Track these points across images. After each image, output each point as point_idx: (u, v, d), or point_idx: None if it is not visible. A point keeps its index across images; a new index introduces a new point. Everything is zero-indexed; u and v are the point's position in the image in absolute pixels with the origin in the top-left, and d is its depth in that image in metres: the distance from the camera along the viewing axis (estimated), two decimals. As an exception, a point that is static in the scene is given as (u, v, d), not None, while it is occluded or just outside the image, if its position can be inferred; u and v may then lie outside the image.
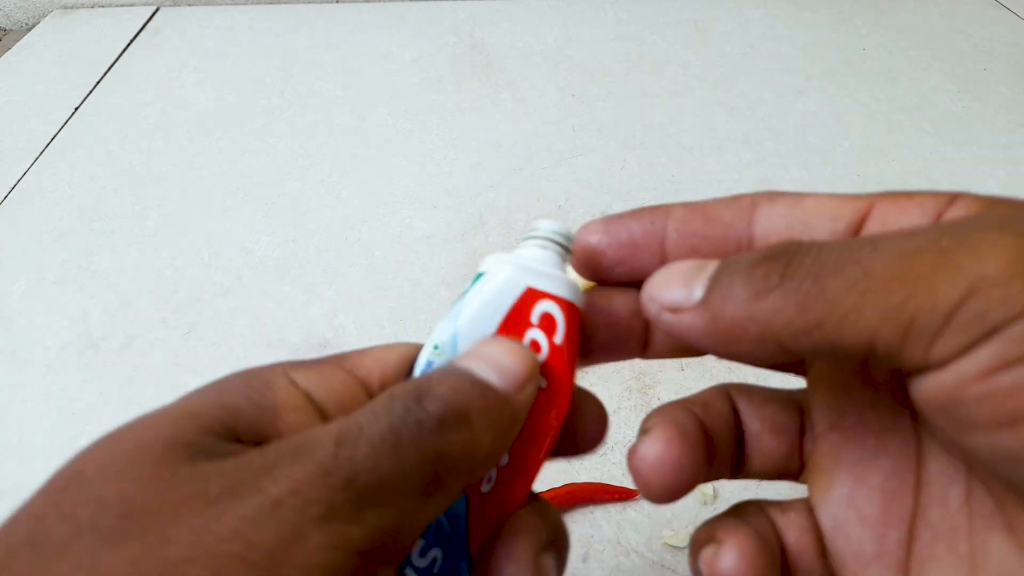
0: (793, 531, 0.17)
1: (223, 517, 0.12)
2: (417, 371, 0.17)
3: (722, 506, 0.37)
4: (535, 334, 0.17)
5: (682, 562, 0.35)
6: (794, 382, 0.19)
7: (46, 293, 0.50)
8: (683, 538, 0.36)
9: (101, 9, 0.86)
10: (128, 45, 0.78)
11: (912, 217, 0.15)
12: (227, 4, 0.87)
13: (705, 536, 0.17)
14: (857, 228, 0.16)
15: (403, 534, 0.14)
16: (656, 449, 0.16)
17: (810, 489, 0.18)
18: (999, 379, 0.12)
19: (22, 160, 0.62)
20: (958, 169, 0.60)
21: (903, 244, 0.13)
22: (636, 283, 0.18)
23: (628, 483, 0.38)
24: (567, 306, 0.17)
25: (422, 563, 0.16)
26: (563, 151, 0.62)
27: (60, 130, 0.65)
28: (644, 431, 0.17)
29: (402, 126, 0.66)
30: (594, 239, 0.18)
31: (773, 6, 0.85)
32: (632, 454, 0.17)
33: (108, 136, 0.65)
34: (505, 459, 0.17)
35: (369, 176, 0.60)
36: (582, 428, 0.18)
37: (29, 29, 0.85)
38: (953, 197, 0.15)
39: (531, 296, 0.17)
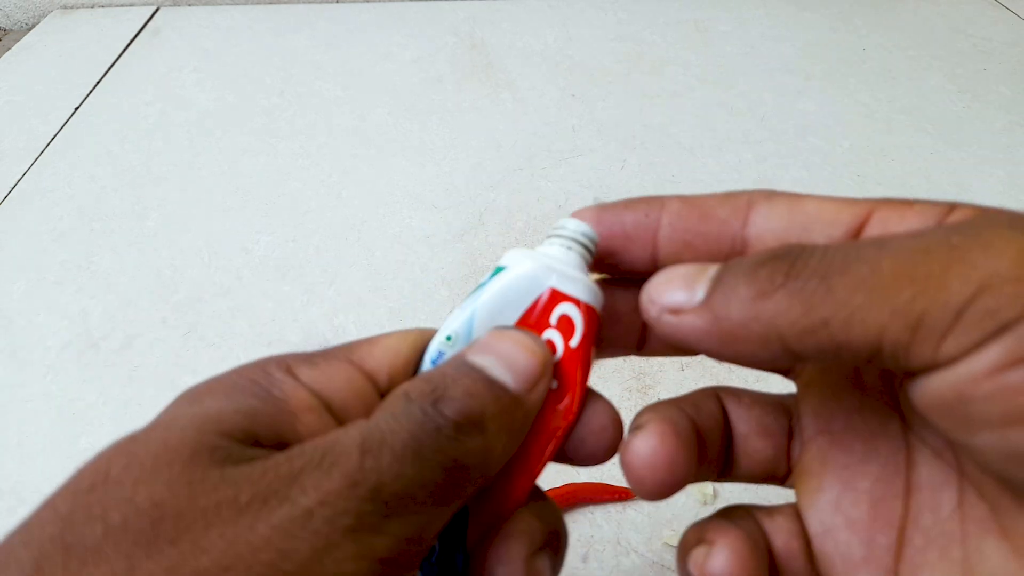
0: (781, 535, 0.17)
1: (255, 526, 0.12)
2: (427, 361, 0.17)
3: (722, 506, 0.37)
4: (552, 335, 0.17)
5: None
6: (792, 386, 0.19)
7: (46, 293, 0.50)
8: (683, 538, 0.36)
9: (101, 9, 0.86)
10: (128, 45, 0.78)
11: (912, 224, 0.15)
12: (227, 4, 0.87)
13: (695, 537, 0.17)
14: (856, 234, 0.16)
15: (423, 541, 0.14)
16: (649, 444, 0.16)
17: (798, 493, 0.18)
18: (1010, 376, 0.11)
19: (22, 160, 0.62)
20: (958, 169, 0.60)
21: (911, 243, 0.13)
22: (624, 274, 0.18)
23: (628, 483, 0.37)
24: (587, 310, 0.17)
25: (428, 548, 0.16)
26: (563, 151, 0.62)
27: (60, 130, 0.65)
28: (637, 427, 0.17)
29: (402, 126, 0.66)
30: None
31: (773, 6, 0.85)
32: (624, 450, 0.17)
33: (108, 136, 0.65)
34: None
35: (369, 176, 0.60)
36: (592, 439, 0.17)
37: (29, 29, 0.85)
38: (952, 207, 0.15)
39: (553, 297, 0.17)
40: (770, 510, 0.18)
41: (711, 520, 0.18)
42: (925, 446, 0.16)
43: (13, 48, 0.78)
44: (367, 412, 0.16)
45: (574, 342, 0.17)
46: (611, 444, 0.17)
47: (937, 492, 0.15)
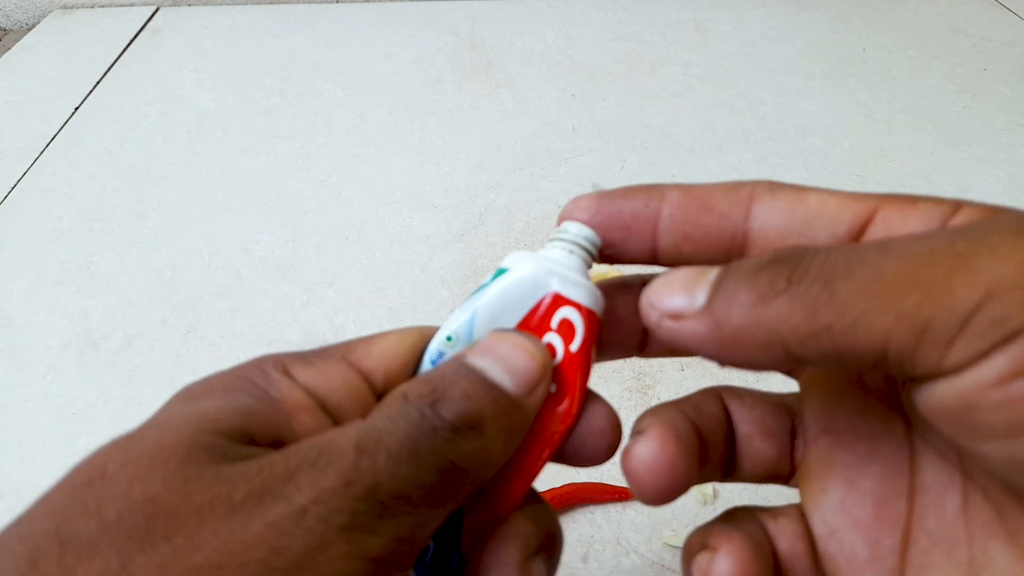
0: (785, 537, 0.17)
1: (249, 524, 0.12)
2: (427, 361, 0.17)
3: (722, 506, 0.37)
4: (552, 338, 0.17)
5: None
6: (793, 385, 0.19)
7: (46, 293, 0.50)
8: (683, 538, 0.35)
9: (101, 9, 0.86)
10: (128, 45, 0.78)
11: (916, 224, 0.15)
12: (227, 4, 0.87)
13: (698, 543, 0.17)
14: (859, 233, 0.15)
15: (416, 541, 0.14)
16: (650, 450, 0.16)
17: (802, 494, 0.18)
18: (1018, 385, 0.11)
19: (22, 160, 0.62)
20: (958, 169, 0.60)
21: (915, 247, 0.12)
22: (623, 264, 0.18)
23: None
24: (588, 315, 0.17)
25: (421, 549, 0.16)
26: (563, 151, 0.62)
27: (60, 130, 0.65)
28: (637, 432, 0.17)
29: (402, 126, 0.66)
30: (584, 217, 0.17)
31: (773, 6, 0.85)
32: (626, 455, 0.17)
33: (108, 136, 0.65)
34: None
35: (369, 176, 0.60)
36: (591, 442, 0.17)
37: (29, 29, 0.85)
38: (957, 205, 0.14)
39: (554, 300, 0.17)
40: (774, 511, 0.18)
41: (714, 524, 0.17)
42: (929, 447, 0.16)
43: (13, 48, 0.78)
44: (363, 412, 0.16)
45: (574, 346, 0.17)
46: (610, 446, 0.17)
47: (941, 493, 0.15)
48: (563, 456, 0.17)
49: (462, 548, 0.16)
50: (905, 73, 0.73)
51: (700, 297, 0.14)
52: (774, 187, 0.16)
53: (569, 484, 0.37)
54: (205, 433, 0.14)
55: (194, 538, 0.12)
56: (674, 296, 0.14)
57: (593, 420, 0.17)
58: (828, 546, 0.17)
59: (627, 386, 0.43)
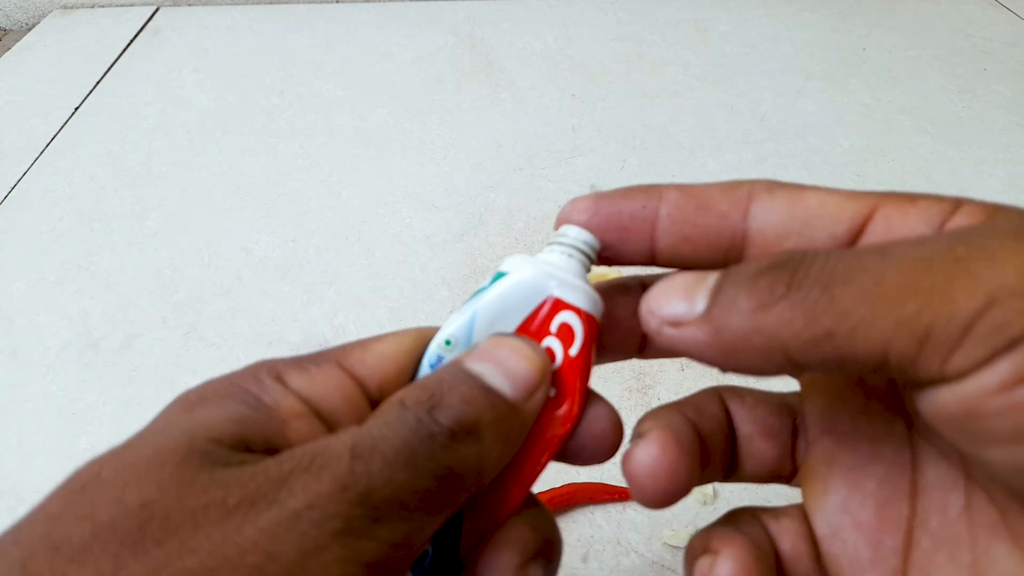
0: (788, 538, 0.17)
1: (243, 528, 0.12)
2: (426, 365, 0.17)
3: (722, 506, 0.37)
4: (552, 342, 0.17)
5: (682, 562, 0.35)
6: (793, 384, 0.19)
7: (46, 293, 0.50)
8: (683, 538, 0.36)
9: (101, 9, 0.86)
10: (128, 45, 0.78)
11: (916, 223, 0.15)
12: (227, 4, 0.87)
13: (700, 546, 0.17)
14: (858, 232, 0.15)
15: (411, 547, 0.14)
16: (651, 454, 0.16)
17: (804, 495, 0.18)
18: (1020, 392, 0.11)
19: (22, 160, 0.62)
20: (958, 169, 0.60)
21: (916, 252, 0.12)
22: (621, 265, 0.18)
23: (628, 483, 0.38)
24: (588, 319, 0.17)
25: (417, 554, 0.16)
26: (563, 151, 0.62)
27: (60, 130, 0.65)
28: (638, 435, 0.17)
29: (402, 126, 0.66)
30: (583, 219, 0.17)
31: (773, 6, 0.85)
32: (627, 459, 0.17)
33: (108, 136, 0.65)
34: None
35: (369, 176, 0.60)
36: (593, 443, 0.17)
37: (29, 29, 0.85)
38: (957, 203, 0.14)
39: (553, 305, 0.17)
40: (776, 512, 0.18)
41: (716, 527, 0.17)
42: (931, 448, 0.16)
43: (13, 48, 0.78)
44: (357, 418, 0.16)
45: (574, 350, 0.17)
46: (612, 446, 0.17)
47: (944, 494, 0.15)
48: (565, 456, 0.17)
49: (461, 552, 0.16)
50: (905, 73, 0.73)
51: (700, 303, 0.14)
52: (772, 186, 0.16)
53: (569, 484, 0.37)
54: (200, 440, 0.14)
55: (187, 543, 0.12)
56: (673, 303, 0.14)
57: (595, 422, 0.17)
58: (831, 547, 0.17)
59: (627, 386, 0.43)
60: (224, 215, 0.56)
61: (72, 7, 0.86)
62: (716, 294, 0.14)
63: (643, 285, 0.18)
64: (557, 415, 0.17)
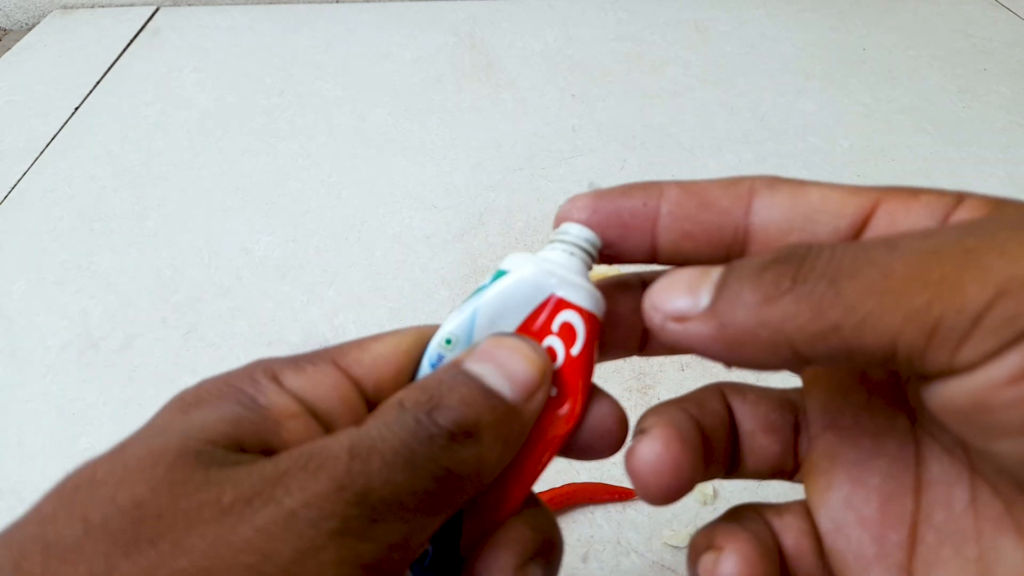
0: (791, 534, 0.17)
1: (238, 527, 0.12)
2: (426, 364, 0.17)
3: (722, 505, 0.37)
4: (553, 341, 0.17)
5: (682, 562, 0.35)
6: (793, 381, 0.19)
7: (46, 293, 0.50)
8: (683, 538, 0.36)
9: (101, 9, 0.86)
10: (128, 45, 0.78)
11: (919, 217, 0.15)
12: (227, 4, 0.87)
13: (703, 542, 0.17)
14: (861, 226, 0.15)
15: (409, 548, 0.14)
16: (654, 450, 0.16)
17: (807, 490, 0.17)
18: None
19: (22, 160, 0.62)
20: (958, 169, 0.60)
21: (924, 244, 0.12)
22: (621, 264, 0.18)
23: (628, 483, 0.37)
24: (590, 318, 0.17)
25: (415, 556, 0.15)
26: (563, 151, 0.62)
27: (60, 130, 0.65)
28: (641, 431, 0.17)
29: (402, 126, 0.66)
30: (582, 217, 0.17)
31: (773, 6, 0.85)
32: (630, 455, 0.17)
33: (108, 136, 0.65)
34: None
35: (369, 176, 0.60)
36: (598, 441, 0.17)
37: (29, 29, 0.85)
38: (960, 197, 0.14)
39: (555, 304, 0.17)
40: (779, 508, 0.18)
41: (719, 523, 0.17)
42: (934, 442, 0.16)
43: (13, 48, 0.78)
44: (353, 419, 0.16)
45: (575, 350, 0.17)
46: (616, 442, 0.17)
47: (949, 489, 0.15)
48: (568, 452, 0.17)
49: (461, 552, 0.16)
50: (905, 73, 0.73)
51: (704, 298, 0.14)
52: (774, 182, 0.16)
53: (569, 484, 0.37)
54: (194, 441, 0.14)
55: (181, 542, 0.12)
56: (677, 298, 0.14)
57: (600, 420, 0.17)
58: (835, 542, 0.16)
59: (627, 386, 0.43)
60: (224, 215, 0.56)
61: (72, 7, 0.86)
62: (720, 288, 0.14)
63: (643, 282, 0.18)
64: (559, 415, 0.17)
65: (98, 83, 0.72)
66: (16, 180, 0.59)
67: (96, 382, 0.44)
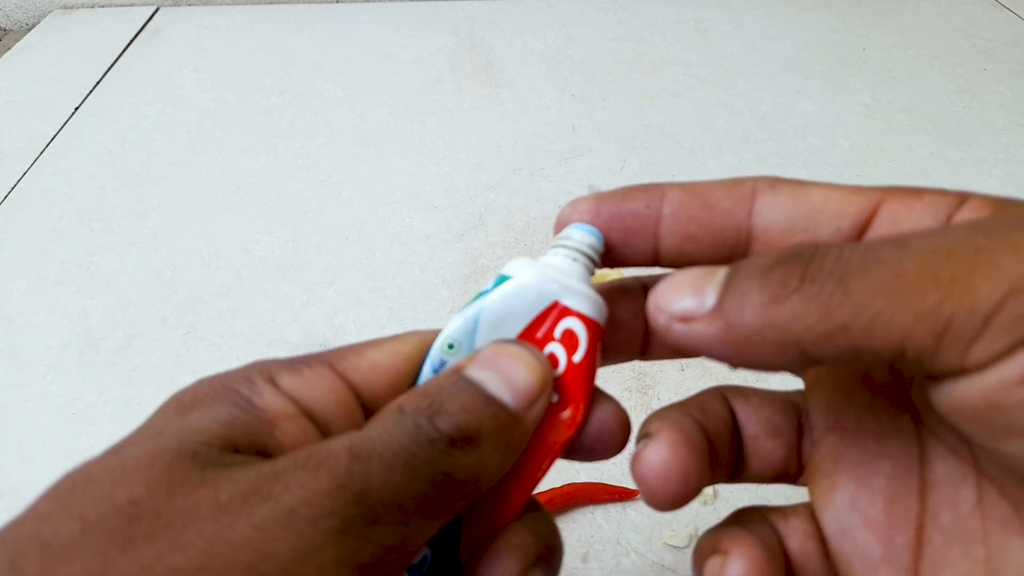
0: (796, 537, 0.17)
1: (235, 525, 0.12)
2: (428, 368, 0.17)
3: (722, 506, 0.37)
4: (555, 348, 0.17)
5: (682, 562, 0.35)
6: (793, 383, 0.19)
7: (46, 293, 0.50)
8: (683, 538, 0.36)
9: (101, 9, 0.86)
10: (128, 45, 0.78)
11: (922, 217, 0.15)
12: (227, 4, 0.87)
13: (709, 546, 0.17)
14: (864, 226, 0.15)
15: (406, 552, 0.14)
16: (661, 455, 0.16)
17: (812, 493, 0.17)
18: None
19: (22, 160, 0.62)
20: (958, 169, 0.60)
21: (934, 243, 0.12)
22: (624, 267, 0.18)
23: (628, 483, 0.38)
24: (592, 325, 0.17)
25: (413, 560, 0.15)
26: (563, 151, 0.62)
27: (60, 130, 0.65)
28: (646, 435, 0.17)
29: (402, 126, 0.66)
30: (585, 220, 0.17)
31: (773, 6, 0.85)
32: (636, 461, 0.16)
33: (108, 136, 0.65)
34: None
35: (369, 176, 0.60)
36: (601, 445, 0.17)
37: (29, 29, 0.85)
38: (963, 197, 0.14)
39: (558, 311, 0.16)
40: (783, 511, 0.17)
41: (724, 527, 0.17)
42: (939, 443, 0.16)
43: (13, 48, 0.78)
44: (350, 422, 0.16)
45: (577, 357, 0.17)
46: (618, 445, 0.17)
47: (955, 489, 0.15)
48: (570, 453, 0.17)
49: (460, 558, 0.16)
50: (905, 73, 0.73)
51: (710, 298, 0.14)
52: (776, 182, 0.16)
53: (569, 484, 0.37)
54: (190, 443, 0.14)
55: (177, 540, 0.12)
56: (683, 298, 0.14)
57: (602, 421, 0.17)
58: (841, 545, 0.16)
59: (627, 386, 0.43)
60: (224, 215, 0.56)
61: (72, 7, 0.86)
62: (726, 288, 0.14)
63: (644, 287, 0.18)
64: (560, 421, 0.17)
65: (98, 83, 0.72)
66: (16, 180, 0.59)
67: (96, 382, 0.44)
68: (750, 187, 0.16)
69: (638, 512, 0.37)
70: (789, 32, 0.80)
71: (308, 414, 0.15)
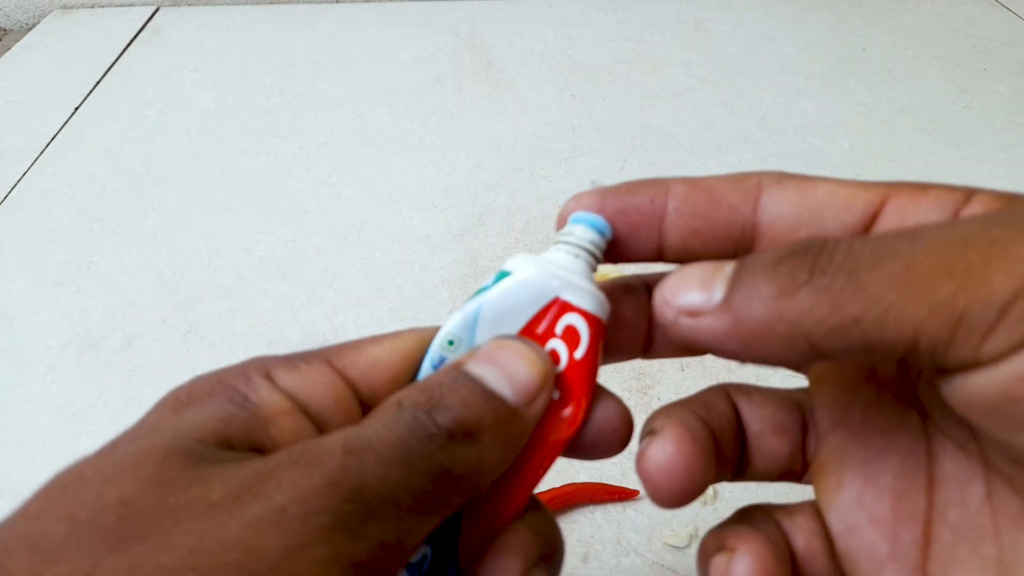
0: (802, 535, 0.17)
1: (226, 524, 0.12)
2: (427, 364, 0.16)
3: (722, 506, 0.37)
4: (557, 344, 0.16)
5: (682, 562, 0.35)
6: (795, 380, 0.19)
7: (46, 293, 0.50)
8: (683, 538, 0.36)
9: (101, 9, 0.86)
10: (128, 45, 0.78)
11: (928, 212, 0.14)
12: (227, 4, 0.87)
13: (714, 544, 0.17)
14: (870, 222, 0.15)
15: (402, 549, 0.14)
16: (666, 451, 0.16)
17: (817, 490, 0.17)
18: None
19: (22, 160, 0.62)
20: (958, 169, 0.60)
21: (948, 235, 0.12)
22: (628, 262, 0.18)
23: (628, 483, 0.37)
24: (594, 322, 0.16)
25: (412, 558, 0.15)
26: (563, 151, 0.62)
27: (60, 130, 0.65)
28: (651, 432, 0.17)
29: (402, 126, 0.66)
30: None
31: (773, 6, 0.85)
32: (641, 457, 0.16)
33: (108, 136, 0.65)
34: None
35: (369, 176, 0.60)
36: (603, 444, 0.17)
37: (29, 29, 0.85)
38: (970, 192, 0.14)
39: (559, 307, 0.16)
40: (789, 509, 0.17)
41: (729, 525, 0.17)
42: (947, 439, 0.15)
43: (13, 48, 0.78)
44: (348, 419, 0.15)
45: (579, 353, 0.16)
46: (620, 443, 0.17)
47: (963, 486, 0.15)
48: (572, 451, 0.17)
49: (460, 556, 0.16)
50: (905, 73, 0.73)
51: (718, 292, 0.13)
52: (782, 178, 0.16)
53: (569, 484, 0.37)
54: (184, 440, 0.13)
55: (167, 539, 0.12)
56: (690, 292, 0.14)
57: (605, 419, 0.17)
58: (847, 542, 0.16)
59: (627, 386, 0.43)
60: (224, 215, 0.56)
61: (72, 7, 0.86)
62: (735, 282, 0.13)
63: (647, 285, 0.18)
64: (562, 418, 0.16)
65: (98, 83, 0.72)
66: (16, 180, 0.59)
67: (96, 382, 0.44)
68: (755, 182, 0.16)
69: (638, 512, 0.37)
70: (789, 32, 0.80)
71: (305, 410, 0.15)
